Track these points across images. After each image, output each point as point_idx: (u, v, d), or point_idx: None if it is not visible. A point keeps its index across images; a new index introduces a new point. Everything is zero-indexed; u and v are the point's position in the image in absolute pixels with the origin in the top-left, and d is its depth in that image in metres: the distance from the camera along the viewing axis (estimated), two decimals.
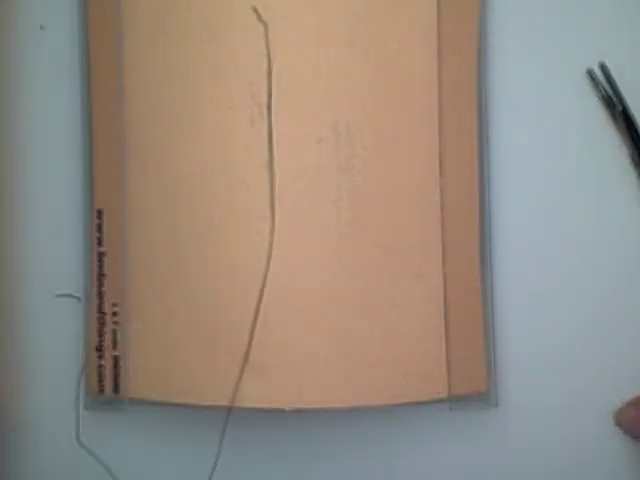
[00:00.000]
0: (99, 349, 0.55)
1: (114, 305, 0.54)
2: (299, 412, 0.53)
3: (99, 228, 0.55)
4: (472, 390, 0.55)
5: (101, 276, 0.55)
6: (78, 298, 0.56)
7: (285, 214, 0.53)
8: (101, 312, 0.55)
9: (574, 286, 0.57)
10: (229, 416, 0.54)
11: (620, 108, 0.55)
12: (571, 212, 0.57)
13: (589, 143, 0.57)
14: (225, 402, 0.53)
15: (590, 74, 0.56)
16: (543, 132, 0.57)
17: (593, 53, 0.56)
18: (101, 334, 0.55)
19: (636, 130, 0.56)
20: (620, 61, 0.56)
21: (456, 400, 0.54)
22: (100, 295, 0.55)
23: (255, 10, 0.53)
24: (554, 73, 0.56)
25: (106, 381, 0.55)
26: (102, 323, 0.55)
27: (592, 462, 0.57)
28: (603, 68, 0.56)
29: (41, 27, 0.57)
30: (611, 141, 0.56)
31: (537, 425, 0.56)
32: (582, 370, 0.56)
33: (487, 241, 0.55)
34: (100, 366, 0.55)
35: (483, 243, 0.55)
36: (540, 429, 0.56)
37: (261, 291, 0.53)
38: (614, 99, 0.56)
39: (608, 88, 0.56)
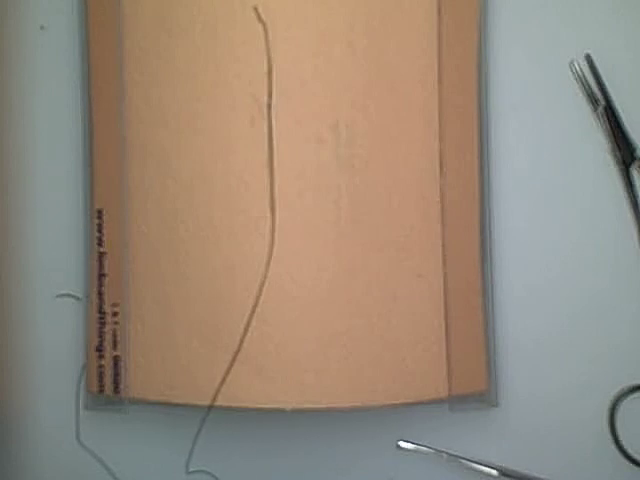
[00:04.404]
0: (99, 349, 0.55)
1: (114, 305, 0.54)
2: (299, 412, 0.53)
3: (99, 228, 0.55)
4: (472, 390, 0.55)
5: (101, 276, 0.55)
6: (78, 298, 0.56)
7: (285, 214, 0.53)
8: (101, 312, 0.55)
9: (575, 287, 0.57)
10: (229, 416, 0.54)
11: (604, 103, 0.55)
12: (571, 211, 0.57)
13: (591, 141, 0.56)
14: (225, 402, 0.53)
15: (574, 69, 0.56)
16: (544, 132, 0.57)
17: (595, 49, 0.56)
18: (101, 334, 0.55)
19: (619, 125, 0.56)
20: (619, 59, 0.56)
21: (456, 400, 0.54)
22: (100, 295, 0.55)
23: (255, 10, 0.53)
24: (556, 72, 0.56)
25: (106, 381, 0.55)
26: (102, 323, 0.55)
27: (592, 462, 0.57)
28: (589, 62, 0.56)
29: (41, 27, 0.57)
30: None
31: (537, 425, 0.56)
32: (583, 371, 0.56)
33: (487, 241, 0.55)
34: (100, 366, 0.55)
35: (483, 243, 0.55)
36: (540, 429, 0.56)
37: (261, 291, 0.53)
38: (598, 94, 0.56)
39: (593, 82, 0.56)
